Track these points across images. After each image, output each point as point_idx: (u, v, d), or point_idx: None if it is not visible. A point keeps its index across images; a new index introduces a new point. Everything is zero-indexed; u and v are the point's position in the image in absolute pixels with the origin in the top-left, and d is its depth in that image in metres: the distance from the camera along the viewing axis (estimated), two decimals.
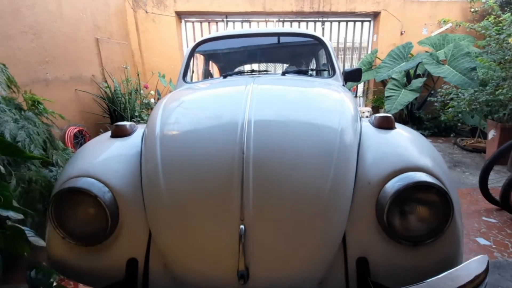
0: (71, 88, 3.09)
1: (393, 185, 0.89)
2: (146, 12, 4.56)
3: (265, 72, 2.03)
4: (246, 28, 5.05)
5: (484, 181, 2.30)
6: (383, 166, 0.96)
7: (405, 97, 4.28)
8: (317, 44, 2.19)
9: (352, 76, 2.04)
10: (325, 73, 2.20)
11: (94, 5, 3.54)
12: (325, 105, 1.21)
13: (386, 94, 4.44)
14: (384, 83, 4.92)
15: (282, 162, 0.93)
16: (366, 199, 0.94)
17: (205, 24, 5.11)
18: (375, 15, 5.07)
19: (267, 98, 1.21)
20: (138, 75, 3.77)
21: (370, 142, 1.07)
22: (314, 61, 2.88)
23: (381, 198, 0.91)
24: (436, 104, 3.88)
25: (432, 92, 4.79)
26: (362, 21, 5.19)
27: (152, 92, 4.11)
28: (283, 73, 1.92)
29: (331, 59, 2.03)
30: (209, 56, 2.85)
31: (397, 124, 1.21)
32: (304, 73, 2.01)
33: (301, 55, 2.77)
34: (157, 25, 4.67)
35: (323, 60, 2.69)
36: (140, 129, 1.30)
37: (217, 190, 0.88)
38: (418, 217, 0.91)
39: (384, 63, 4.72)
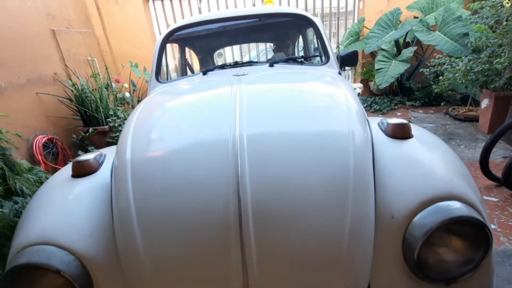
0: (31, 92, 2.72)
1: (423, 221, 0.74)
2: None
3: (250, 64, 1.78)
4: (222, 8, 4.59)
5: (485, 159, 2.22)
6: (408, 195, 0.79)
7: (396, 68, 4.10)
8: (304, 22, 1.92)
9: (348, 60, 1.82)
10: (317, 57, 1.98)
11: None
12: (330, 115, 1.01)
13: (376, 66, 4.23)
14: (373, 54, 4.69)
15: (288, 204, 0.75)
16: (390, 237, 0.78)
17: (176, 3, 4.60)
18: None
19: (259, 110, 1.00)
20: (106, 68, 3.38)
21: (386, 160, 0.90)
22: (301, 39, 2.62)
23: (409, 237, 0.75)
24: (426, 73, 3.72)
25: (422, 60, 4.62)
26: None
27: (126, 85, 3.74)
28: (271, 64, 1.68)
29: (323, 42, 1.79)
30: (185, 43, 2.53)
31: (412, 126, 1.03)
32: (294, 59, 1.78)
33: (286, 34, 2.49)
34: (121, 7, 4.16)
35: (312, 39, 2.43)
36: (110, 156, 1.07)
37: (212, 255, 0.70)
38: (452, 253, 0.77)
39: (372, 32, 4.45)
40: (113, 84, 3.43)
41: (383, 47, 4.25)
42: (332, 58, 1.71)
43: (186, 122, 1.07)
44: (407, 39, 4.59)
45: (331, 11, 5.09)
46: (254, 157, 0.80)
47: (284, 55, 2.17)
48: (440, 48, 3.83)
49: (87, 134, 2.88)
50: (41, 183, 1.92)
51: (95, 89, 3.16)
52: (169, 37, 1.86)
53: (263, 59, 5.15)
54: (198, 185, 0.78)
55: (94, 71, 3.16)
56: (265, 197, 0.74)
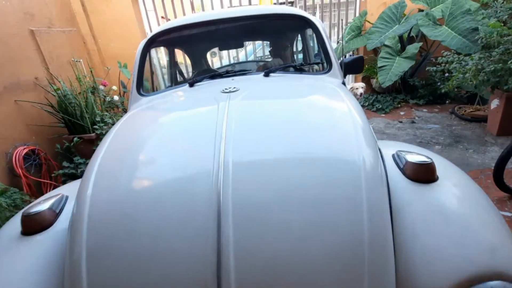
0: (9, 100, 2.52)
1: None
2: None
3: (242, 73, 1.58)
4: (216, 4, 4.32)
5: (500, 169, 2.05)
6: (439, 270, 0.62)
7: (400, 66, 3.89)
8: (303, 23, 1.72)
9: (352, 67, 1.62)
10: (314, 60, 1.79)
11: None
12: (335, 146, 0.83)
13: (379, 64, 4.02)
14: (375, 50, 4.46)
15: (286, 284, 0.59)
16: None
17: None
18: None
19: (249, 144, 0.82)
20: (91, 71, 3.15)
21: (408, 214, 0.73)
22: (299, 38, 2.40)
23: None
24: (431, 70, 3.50)
25: (427, 56, 4.40)
26: None
27: (115, 88, 3.53)
28: (266, 73, 1.49)
29: (325, 47, 1.59)
30: (172, 46, 2.32)
31: (433, 158, 0.85)
32: (293, 67, 1.59)
33: (283, 36, 2.28)
34: (108, 2, 3.90)
35: (311, 40, 2.22)
36: (73, 199, 0.89)
37: None
38: None
39: (375, 27, 4.22)
40: (100, 87, 3.22)
41: (386, 43, 4.03)
42: (335, 66, 1.52)
43: (161, 155, 0.89)
44: (411, 34, 4.37)
45: (331, 1, 4.82)
46: (240, 221, 0.63)
47: (281, 61, 1.95)
48: (447, 44, 3.61)
49: (72, 144, 2.69)
50: (16, 207, 1.75)
51: (80, 93, 2.95)
52: (152, 44, 1.65)
53: (259, 54, 4.91)
54: (168, 261, 0.61)
55: (78, 74, 2.95)
56: (254, 281, 0.57)
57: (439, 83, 3.63)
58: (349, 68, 1.59)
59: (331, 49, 1.55)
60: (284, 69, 1.56)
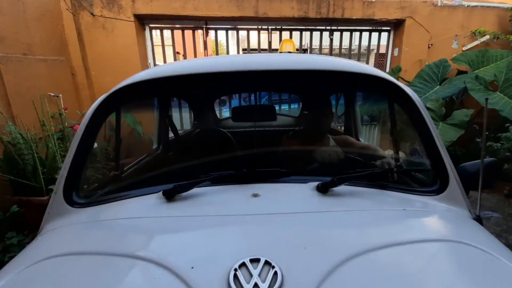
0: None
1: None
2: (93, 15, 3.28)
3: (270, 176, 0.84)
4: (232, 46, 3.84)
5: None
6: None
7: (446, 134, 3.20)
8: (385, 93, 1.03)
9: (473, 177, 0.88)
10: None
11: None
12: None
13: None
14: None
15: None
16: None
17: (178, 33, 3.87)
18: (397, 24, 3.99)
19: None
20: (60, 115, 2.48)
21: None
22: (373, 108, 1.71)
23: None
24: (495, 147, 2.81)
25: (470, 123, 3.75)
26: (380, 31, 4.10)
27: None
28: (319, 187, 0.76)
29: (430, 138, 0.87)
30: (162, 95, 1.63)
31: None
32: (367, 177, 0.85)
33: (350, 104, 1.57)
34: (109, 32, 3.40)
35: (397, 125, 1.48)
36: None
37: None
38: None
39: (413, 86, 3.64)
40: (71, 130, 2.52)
41: (428, 105, 3.40)
42: (453, 176, 0.78)
43: None
44: (452, 95, 3.78)
45: (360, 51, 4.33)
46: None
47: (340, 153, 1.18)
48: (507, 114, 2.98)
49: (7, 214, 1.91)
50: None
51: (43, 140, 2.24)
52: (110, 107, 0.97)
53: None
54: None
55: (41, 120, 2.26)
56: None
57: (503, 159, 2.90)
58: (470, 178, 0.85)
59: (439, 142, 0.84)
60: (350, 177, 0.82)
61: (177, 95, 1.64)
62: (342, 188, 0.78)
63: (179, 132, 1.99)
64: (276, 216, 0.67)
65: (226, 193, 0.77)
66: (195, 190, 0.78)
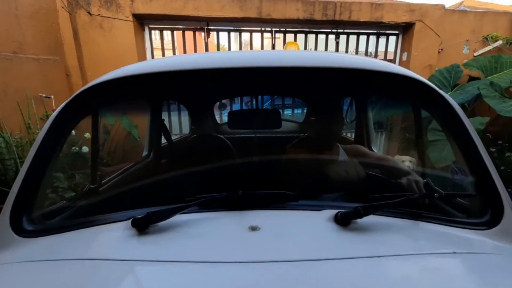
0: None
1: None
2: (90, 14, 3.16)
3: (276, 206, 0.67)
4: (234, 46, 3.71)
5: None
6: None
7: None
8: (415, 97, 0.86)
9: None
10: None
11: None
12: None
13: (430, 137, 3.17)
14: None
15: None
16: None
17: (179, 34, 3.74)
18: (406, 28, 3.84)
19: None
20: (47, 116, 2.34)
21: None
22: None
23: None
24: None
25: (487, 133, 3.57)
26: (388, 35, 3.95)
27: (88, 135, 2.69)
28: (338, 218, 0.59)
29: (480, 159, 0.71)
30: (157, 95, 1.48)
31: None
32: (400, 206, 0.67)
33: (374, 108, 1.38)
34: (106, 32, 3.28)
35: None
36: None
37: None
38: None
39: None
40: None
41: None
42: (508, 205, 0.61)
43: None
44: (464, 102, 3.61)
45: (367, 55, 4.19)
46: None
47: (359, 171, 0.95)
48: None
49: None
50: None
51: (28, 142, 2.09)
52: (81, 109, 0.81)
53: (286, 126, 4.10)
54: None
55: (27, 122, 2.11)
56: None
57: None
58: None
59: (488, 161, 0.67)
60: (376, 204, 0.64)
61: (169, 95, 1.48)
62: (364, 221, 0.61)
63: (175, 137, 1.83)
64: (281, 266, 0.50)
65: (216, 224, 0.60)
66: (176, 217, 0.61)
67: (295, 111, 3.57)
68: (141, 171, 1.42)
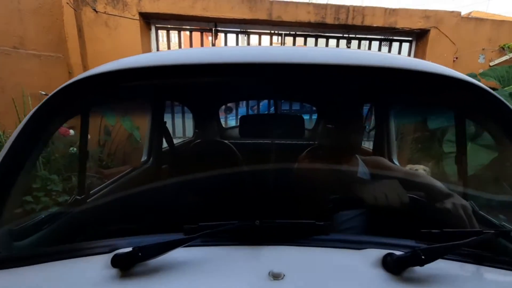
0: None
1: None
2: (96, 11, 3.08)
3: (302, 241, 0.52)
4: (241, 44, 3.61)
5: None
6: None
7: (477, 156, 2.86)
8: (462, 99, 0.73)
9: None
10: None
11: None
12: None
13: (446, 148, 3.02)
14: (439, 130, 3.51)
15: None
16: None
17: (186, 36, 3.66)
18: (420, 34, 3.71)
19: None
20: None
21: None
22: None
23: None
24: None
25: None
26: (401, 41, 3.83)
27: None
28: (395, 264, 0.43)
29: None
30: (159, 94, 1.35)
31: None
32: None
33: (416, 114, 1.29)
34: (112, 31, 3.19)
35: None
36: None
37: None
38: None
39: None
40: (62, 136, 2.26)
41: None
42: None
43: None
44: None
45: None
46: None
47: (403, 198, 0.70)
48: None
49: None
50: None
51: None
52: (64, 108, 0.69)
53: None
54: None
55: (28, 112, 1.99)
56: None
57: None
58: None
59: None
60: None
61: (171, 94, 1.36)
62: (424, 271, 0.44)
63: (177, 141, 1.71)
64: None
65: (225, 265, 0.45)
66: (172, 252, 0.46)
67: (305, 117, 3.44)
68: (136, 182, 1.27)
